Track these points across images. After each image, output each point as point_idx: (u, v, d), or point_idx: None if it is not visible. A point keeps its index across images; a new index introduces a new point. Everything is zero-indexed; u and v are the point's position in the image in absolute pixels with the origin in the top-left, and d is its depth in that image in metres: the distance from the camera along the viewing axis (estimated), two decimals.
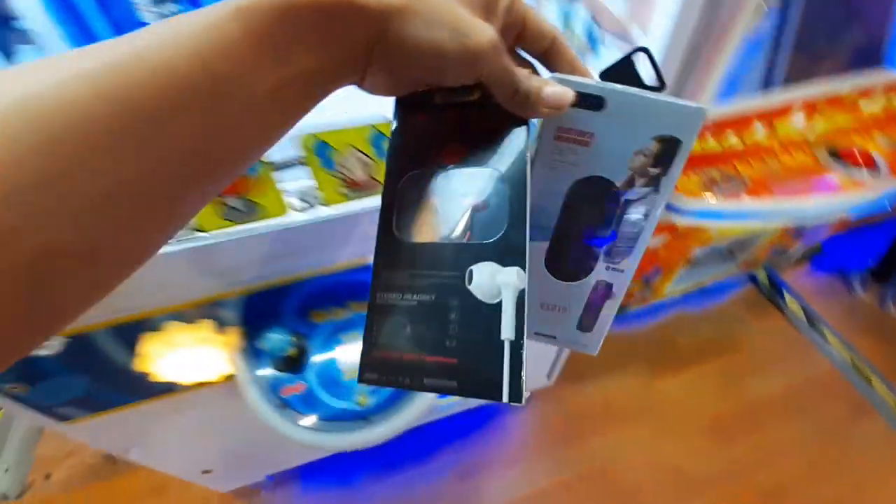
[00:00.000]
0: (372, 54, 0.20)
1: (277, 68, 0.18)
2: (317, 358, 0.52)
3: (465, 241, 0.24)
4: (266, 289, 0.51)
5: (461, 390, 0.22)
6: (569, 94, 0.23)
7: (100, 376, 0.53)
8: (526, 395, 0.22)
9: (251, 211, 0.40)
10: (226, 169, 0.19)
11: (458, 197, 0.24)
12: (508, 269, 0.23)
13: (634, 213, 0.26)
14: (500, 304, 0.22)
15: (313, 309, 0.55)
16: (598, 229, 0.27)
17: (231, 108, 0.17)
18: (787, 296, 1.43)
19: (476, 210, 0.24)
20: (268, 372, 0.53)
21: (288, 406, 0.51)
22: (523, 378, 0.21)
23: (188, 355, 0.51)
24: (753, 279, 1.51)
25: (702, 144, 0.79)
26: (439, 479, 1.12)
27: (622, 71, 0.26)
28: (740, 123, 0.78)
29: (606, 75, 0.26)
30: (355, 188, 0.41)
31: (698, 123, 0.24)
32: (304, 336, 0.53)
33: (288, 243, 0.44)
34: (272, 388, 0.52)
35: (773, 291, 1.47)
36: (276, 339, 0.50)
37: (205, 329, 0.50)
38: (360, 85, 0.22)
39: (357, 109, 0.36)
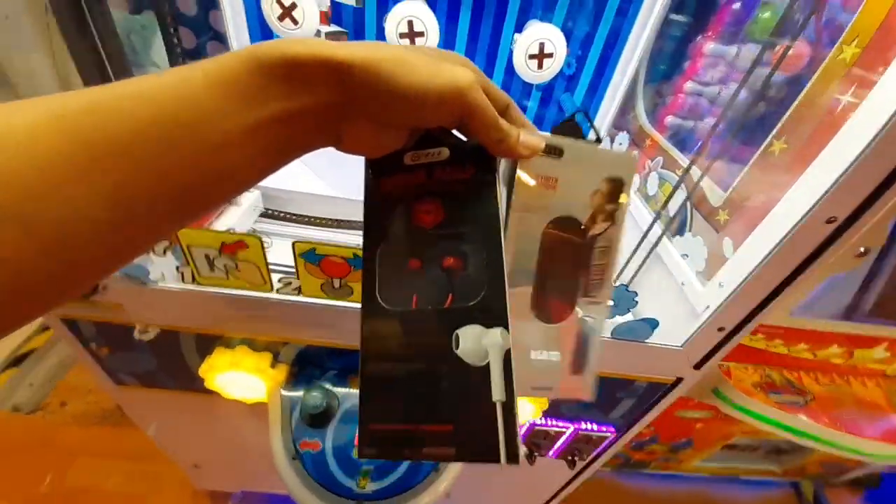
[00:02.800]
0: (348, 104, 0.21)
1: (250, 113, 0.19)
2: (339, 426, 0.56)
3: (446, 305, 0.24)
4: (321, 344, 0.57)
5: (459, 456, 0.22)
6: (541, 141, 0.26)
7: (167, 364, 0.61)
8: (524, 452, 0.23)
9: (345, 292, 0.47)
10: (197, 203, 0.20)
11: (437, 259, 0.25)
12: (493, 330, 0.23)
13: (599, 248, 0.29)
14: (488, 366, 0.23)
15: (352, 374, 0.60)
16: (574, 267, 0.30)
17: (196, 152, 0.18)
18: None
19: (455, 272, 0.25)
20: (296, 418, 0.57)
21: (299, 458, 0.55)
22: (518, 438, 0.22)
23: (241, 375, 0.58)
24: (796, 487, 1.35)
25: (767, 342, 0.77)
26: None
27: (568, 128, 0.30)
28: (817, 338, 0.76)
29: (557, 131, 0.30)
30: None
31: (633, 165, 0.29)
32: (336, 398, 0.57)
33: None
34: (293, 436, 0.56)
35: None
36: (313, 394, 0.55)
37: (264, 360, 0.57)
38: (341, 144, 0.23)
39: None
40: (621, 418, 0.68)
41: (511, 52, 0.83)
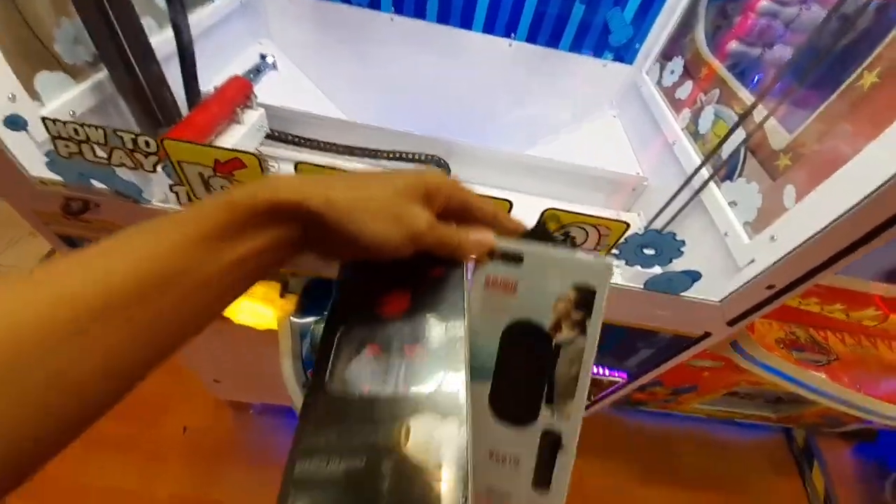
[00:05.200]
0: (316, 240, 0.24)
1: (227, 253, 0.22)
2: None
3: (401, 391, 0.23)
4: (331, 278, 0.55)
5: None
6: (488, 237, 0.28)
7: None
8: None
9: None
10: (193, 328, 0.22)
11: (397, 345, 0.25)
12: (448, 421, 0.21)
13: (567, 356, 0.27)
14: (440, 466, 0.20)
15: None
16: (534, 371, 0.28)
17: (183, 291, 0.21)
18: (815, 467, 1.32)
19: (414, 358, 0.24)
20: (306, 347, 0.57)
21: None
22: None
23: (250, 303, 0.56)
24: (788, 433, 1.40)
25: (800, 300, 0.73)
26: None
27: (540, 231, 0.29)
28: (856, 299, 0.71)
29: (528, 235, 0.29)
30: None
31: (608, 275, 0.27)
32: None
33: None
34: (304, 364, 0.56)
35: (804, 456, 1.35)
36: (321, 328, 0.54)
37: (273, 289, 0.55)
38: (312, 254, 0.26)
39: None
40: (636, 366, 0.67)
41: None
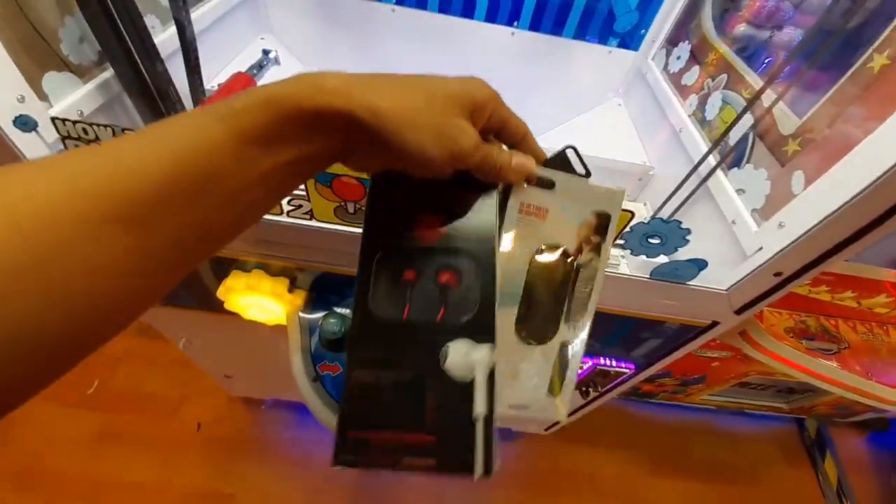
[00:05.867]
0: (357, 149, 0.23)
1: (266, 159, 0.20)
2: None
3: (438, 319, 0.26)
4: (338, 273, 0.55)
5: (439, 468, 0.23)
6: (531, 162, 0.28)
7: (187, 285, 0.61)
8: (497, 465, 0.23)
9: (360, 218, 0.43)
10: (219, 240, 0.21)
11: (433, 274, 0.27)
12: (481, 346, 0.25)
13: (583, 277, 0.31)
14: (472, 381, 0.24)
15: None
16: (557, 295, 0.31)
17: (216, 199, 0.19)
18: (828, 456, 1.31)
19: (450, 288, 0.26)
20: (315, 342, 0.57)
21: (319, 380, 0.55)
22: (494, 454, 0.22)
23: (258, 299, 0.57)
24: (800, 423, 1.39)
25: (810, 288, 0.72)
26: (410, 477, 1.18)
27: (559, 161, 0.30)
28: (867, 286, 0.70)
29: (549, 162, 0.30)
30: None
31: (620, 200, 0.31)
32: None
33: None
34: (313, 359, 0.57)
35: (816, 446, 1.34)
36: (330, 321, 0.54)
37: (281, 284, 0.56)
38: (346, 165, 0.25)
39: None
40: (643, 357, 0.66)
41: None
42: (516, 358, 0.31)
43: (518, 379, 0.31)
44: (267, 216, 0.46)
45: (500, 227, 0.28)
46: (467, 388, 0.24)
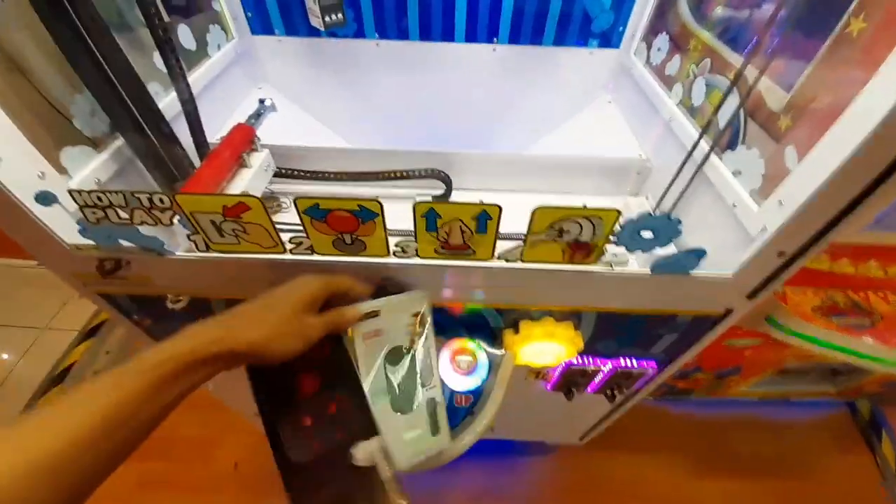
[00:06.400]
0: (237, 364, 0.37)
1: (172, 393, 0.32)
2: None
3: (338, 437, 0.41)
4: None
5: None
6: (355, 311, 0.44)
7: None
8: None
9: (358, 247, 0.44)
10: (136, 441, 0.31)
11: (323, 411, 0.42)
12: (372, 439, 0.42)
13: (422, 355, 0.48)
14: (376, 463, 0.41)
15: None
16: (408, 372, 0.47)
17: (128, 430, 0.30)
18: (885, 437, 1.22)
19: (337, 413, 0.42)
20: None
21: None
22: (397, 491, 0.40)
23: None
24: (852, 406, 1.31)
25: (831, 262, 0.69)
26: (450, 495, 1.16)
27: (382, 288, 0.47)
28: (890, 254, 0.67)
29: (376, 293, 0.46)
30: (448, 249, 0.44)
31: (423, 297, 0.48)
32: None
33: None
34: None
35: (871, 428, 1.26)
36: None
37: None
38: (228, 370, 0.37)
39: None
40: (663, 353, 0.65)
41: None
42: (402, 426, 0.46)
43: (407, 438, 0.46)
44: (271, 255, 0.48)
45: (355, 356, 0.44)
46: (373, 469, 0.40)
